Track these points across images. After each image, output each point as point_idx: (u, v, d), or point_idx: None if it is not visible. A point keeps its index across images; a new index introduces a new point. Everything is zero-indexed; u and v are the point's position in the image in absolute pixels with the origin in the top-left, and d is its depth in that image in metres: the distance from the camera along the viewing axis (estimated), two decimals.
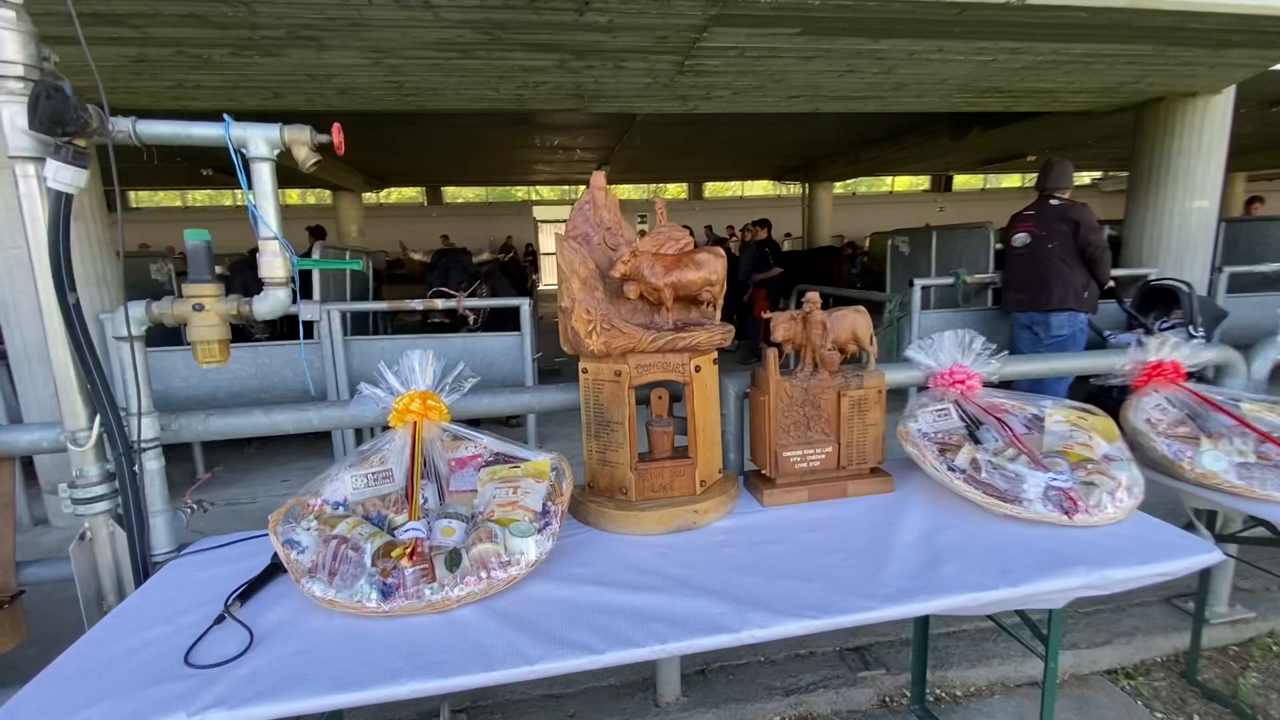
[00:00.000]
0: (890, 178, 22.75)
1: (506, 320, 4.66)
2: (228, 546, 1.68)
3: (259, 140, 1.55)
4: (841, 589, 1.35)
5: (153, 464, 1.63)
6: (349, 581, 1.35)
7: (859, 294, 5.89)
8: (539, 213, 21.41)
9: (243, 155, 1.56)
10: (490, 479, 1.65)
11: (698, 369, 1.67)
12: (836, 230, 12.53)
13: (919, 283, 4.89)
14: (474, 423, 1.84)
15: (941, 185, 23.00)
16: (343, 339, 4.12)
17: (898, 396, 1.99)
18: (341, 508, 1.59)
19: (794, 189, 19.72)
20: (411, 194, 20.71)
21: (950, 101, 5.27)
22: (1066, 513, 1.55)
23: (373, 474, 1.67)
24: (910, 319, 4.87)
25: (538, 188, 21.89)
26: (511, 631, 1.24)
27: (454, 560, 1.38)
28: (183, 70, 3.28)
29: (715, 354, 1.74)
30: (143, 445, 1.61)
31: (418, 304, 4.26)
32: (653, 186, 22.82)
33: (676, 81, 4.08)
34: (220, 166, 9.60)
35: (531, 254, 16.79)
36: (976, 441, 1.80)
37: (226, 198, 20.22)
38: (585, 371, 1.71)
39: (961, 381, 1.90)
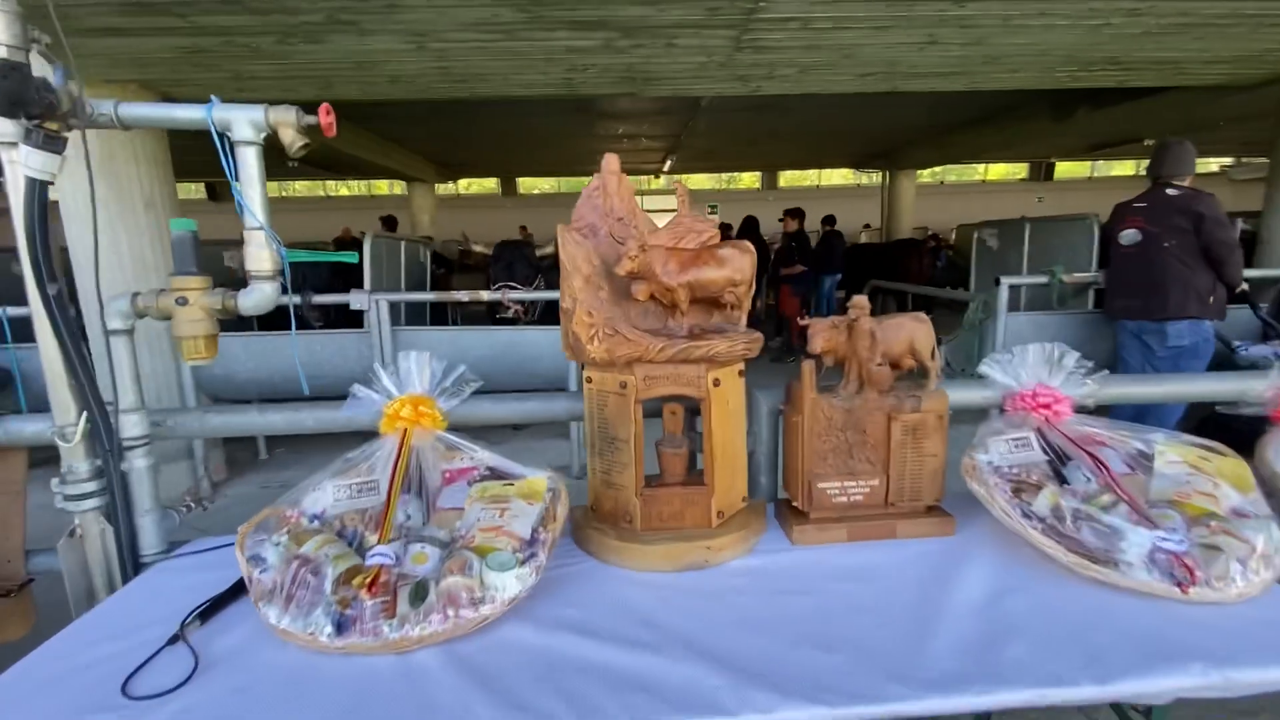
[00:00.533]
0: (982, 165, 21.21)
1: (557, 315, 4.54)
2: (215, 551, 1.61)
3: (243, 123, 1.44)
4: (874, 665, 1.09)
5: (140, 462, 1.56)
6: (305, 609, 1.22)
7: (937, 292, 5.39)
8: None
9: (229, 139, 1.45)
10: (479, 497, 1.49)
11: (717, 383, 1.44)
12: (921, 222, 11.71)
13: (1006, 281, 4.38)
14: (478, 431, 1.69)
15: (1041, 173, 21.22)
16: (390, 329, 4.11)
17: (968, 417, 1.65)
18: (318, 521, 1.47)
19: (875, 177, 18.78)
20: (489, 185, 21.19)
21: (1053, 77, 4.67)
22: (1179, 584, 1.22)
23: (357, 485, 1.54)
24: (995, 322, 4.38)
25: None
26: (471, 688, 1.07)
27: (419, 594, 1.22)
28: (237, 60, 3.31)
29: (741, 365, 1.49)
30: (129, 443, 1.55)
31: (464, 295, 4.20)
32: (725, 176, 22.31)
33: (735, 60, 3.78)
34: (307, 158, 10.08)
35: None
36: (1062, 482, 1.48)
37: (319, 189, 21.43)
38: (589, 381, 1.51)
39: (1046, 406, 1.58)
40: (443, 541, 1.36)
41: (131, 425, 1.54)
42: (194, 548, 1.64)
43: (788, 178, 22.72)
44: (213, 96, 1.44)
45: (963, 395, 1.70)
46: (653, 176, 17.27)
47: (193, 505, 1.68)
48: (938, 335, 1.59)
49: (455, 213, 18.91)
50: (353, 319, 4.45)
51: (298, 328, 4.76)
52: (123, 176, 3.77)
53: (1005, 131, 8.50)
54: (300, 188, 22.06)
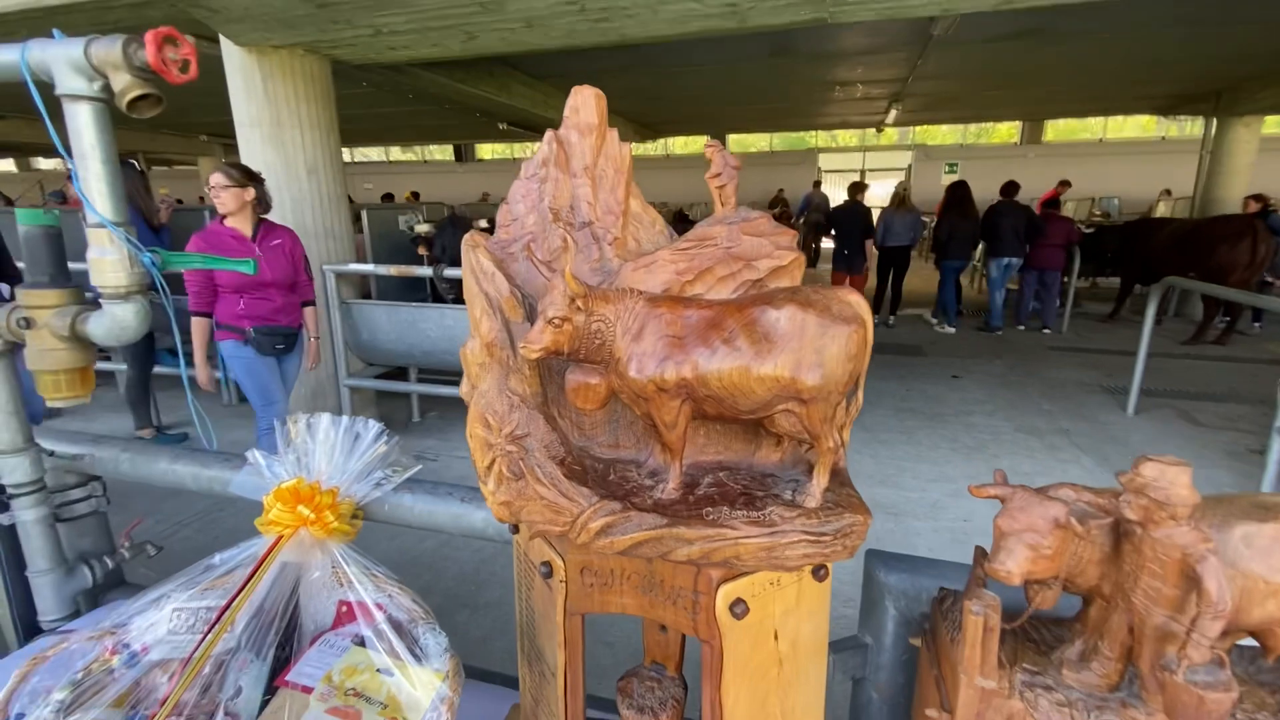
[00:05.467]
0: None
1: None
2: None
3: (63, 67, 0.95)
4: None
5: (28, 514, 1.24)
6: None
7: None
8: (825, 161, 19.38)
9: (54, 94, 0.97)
10: (327, 688, 0.90)
11: (737, 610, 0.63)
12: (1258, 188, 8.35)
13: None
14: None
15: None
16: (339, 303, 3.99)
17: None
18: (134, 663, 1.00)
19: (1190, 128, 14.25)
20: (696, 145, 20.48)
21: None
22: None
23: (207, 610, 1.04)
24: None
25: (835, 133, 19.75)
26: None
27: None
28: (367, 12, 3.05)
29: (807, 570, 0.66)
30: (14, 491, 1.23)
31: (426, 271, 4.02)
32: (974, 128, 18.76)
33: None
34: (516, 120, 10.29)
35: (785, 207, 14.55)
36: None
37: (518, 150, 21.07)
38: (514, 531, 0.80)
39: None
40: None
41: (13, 470, 1.22)
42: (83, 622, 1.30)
43: (1057, 129, 18.37)
44: (29, 39, 0.97)
45: None
46: (874, 130, 15.03)
47: (129, 551, 1.32)
48: None
49: (664, 174, 18.61)
50: None
51: (434, 299, 4.69)
52: (288, 143, 3.87)
53: None
54: (500, 149, 21.53)
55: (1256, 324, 7.11)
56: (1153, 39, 5.82)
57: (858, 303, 0.62)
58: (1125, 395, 4.81)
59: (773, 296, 0.62)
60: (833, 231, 6.91)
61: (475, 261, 0.72)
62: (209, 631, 0.97)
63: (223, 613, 0.99)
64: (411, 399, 5.06)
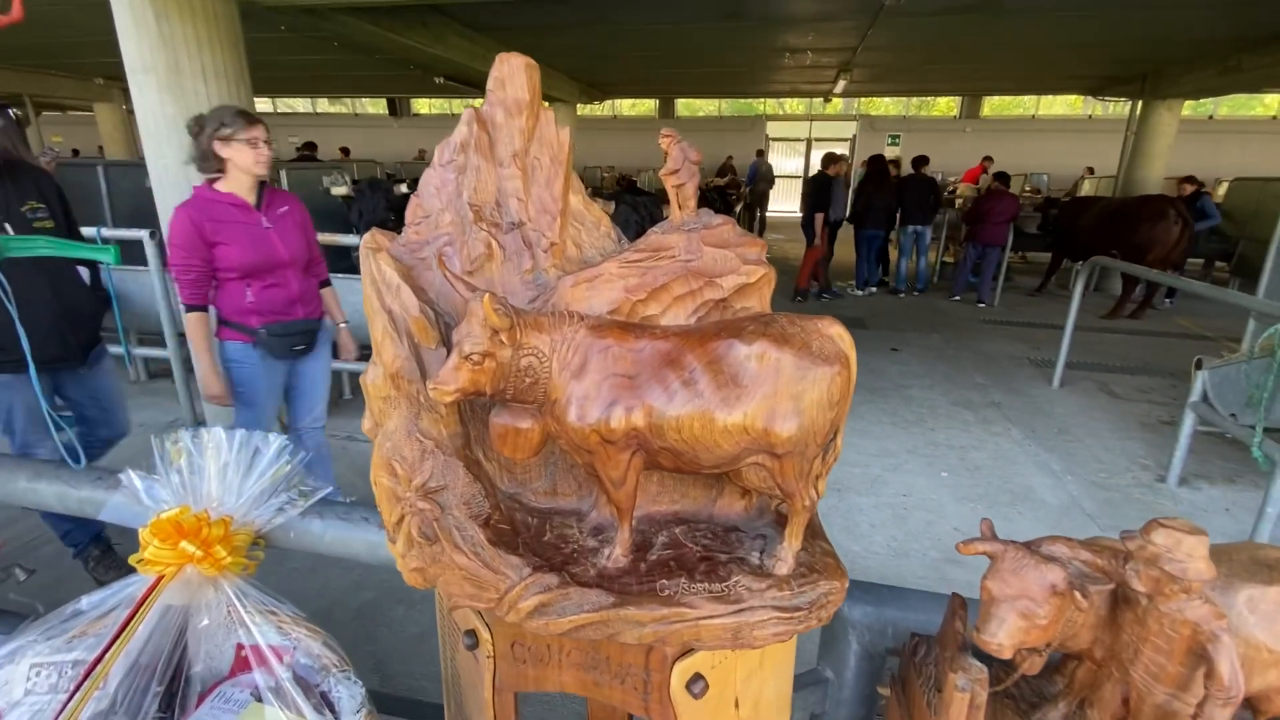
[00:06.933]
0: (1272, 97, 15.92)
1: None
2: None
3: None
4: None
5: None
6: None
7: (1216, 292, 3.65)
8: (772, 129, 19.31)
9: None
10: None
11: (695, 688, 0.54)
12: (1176, 170, 8.78)
13: None
14: None
15: None
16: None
17: None
18: None
19: (1115, 108, 14.93)
20: (646, 108, 19.96)
21: None
22: None
23: (74, 665, 0.89)
24: None
25: (782, 101, 19.62)
26: None
27: None
28: None
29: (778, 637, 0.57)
30: None
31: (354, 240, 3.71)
32: (915, 101, 19.05)
33: None
34: (455, 75, 9.68)
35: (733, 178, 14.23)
36: None
37: (457, 106, 20.01)
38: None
39: None
40: None
41: None
42: None
43: (993, 105, 18.86)
44: None
45: None
46: (823, 100, 15.01)
47: (23, 574, 1.12)
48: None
49: (610, 136, 18.11)
50: None
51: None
52: (189, 92, 3.46)
53: None
54: (429, 106, 20.46)
55: (1169, 300, 7.55)
56: (1089, 20, 5.93)
57: (840, 336, 0.52)
58: (1051, 368, 5.02)
59: (741, 328, 0.52)
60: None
61: (376, 270, 0.58)
62: (76, 690, 0.82)
63: (93, 667, 0.84)
64: (341, 375, 4.78)
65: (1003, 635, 0.53)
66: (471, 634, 0.59)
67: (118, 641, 0.84)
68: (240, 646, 0.92)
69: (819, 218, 6.89)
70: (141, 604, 0.87)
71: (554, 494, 0.62)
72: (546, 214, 0.62)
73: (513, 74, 0.61)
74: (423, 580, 0.57)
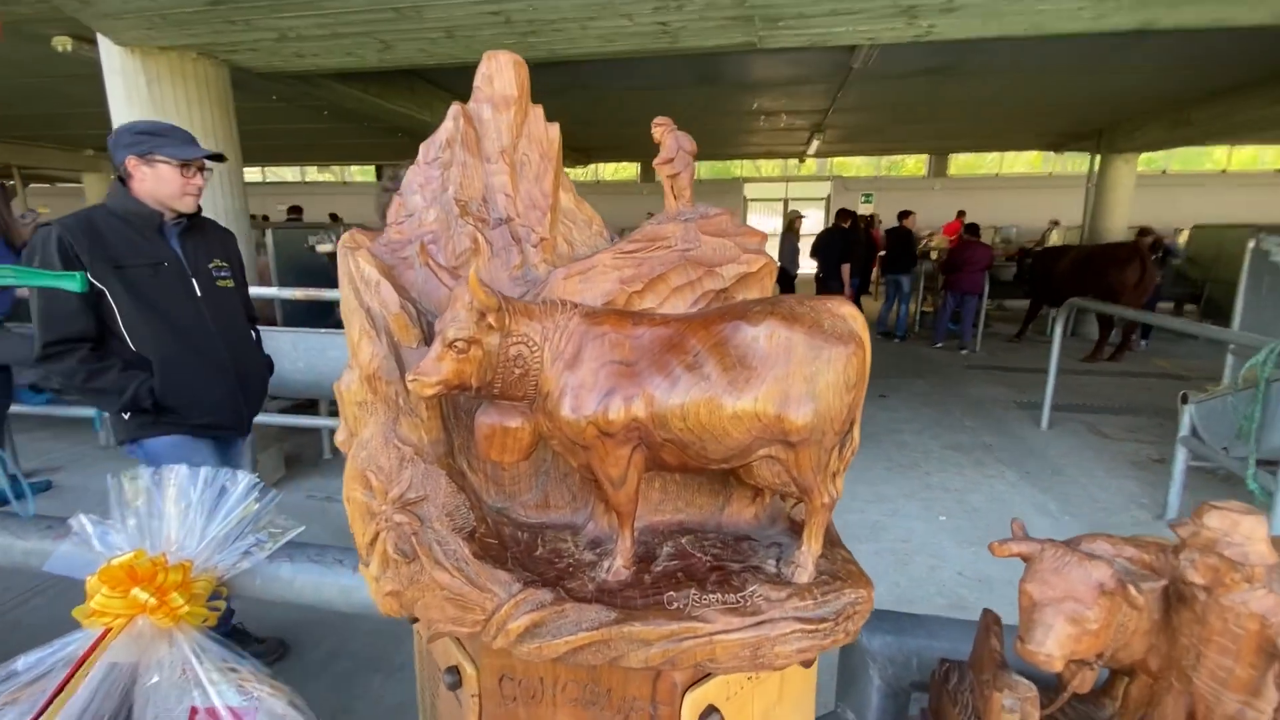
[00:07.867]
0: (1225, 148, 16.84)
1: None
2: None
3: None
4: None
5: None
6: None
7: (1192, 326, 3.73)
8: (750, 191, 19.98)
9: None
10: None
11: (710, 718, 0.47)
12: (1137, 220, 9.21)
13: None
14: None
15: None
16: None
17: None
18: None
19: (1074, 164, 15.68)
20: (629, 172, 20.59)
21: None
22: None
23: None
24: None
25: (758, 163, 20.38)
26: None
27: None
28: (268, 12, 2.79)
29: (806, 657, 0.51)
30: None
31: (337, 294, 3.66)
32: (885, 161, 19.90)
33: None
34: (408, 130, 9.80)
35: None
36: None
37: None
38: (413, 620, 0.61)
39: None
40: None
41: None
42: None
43: (959, 164, 19.75)
44: None
45: None
46: (798, 160, 15.63)
47: None
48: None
49: (595, 199, 18.56)
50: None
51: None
52: None
53: None
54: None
55: (1144, 341, 7.72)
56: (1045, 80, 6.29)
57: (852, 315, 0.49)
58: (1038, 410, 5.03)
59: (747, 309, 0.48)
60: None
61: (354, 267, 0.55)
62: None
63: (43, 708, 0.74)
64: (322, 434, 4.66)
65: (1051, 643, 0.47)
66: (453, 670, 0.53)
67: (53, 703, 0.75)
68: (194, 710, 0.83)
69: (845, 268, 7.41)
70: (83, 661, 0.78)
71: (546, 507, 0.56)
72: (536, 209, 0.60)
73: (500, 70, 0.60)
74: (398, 606, 0.50)
